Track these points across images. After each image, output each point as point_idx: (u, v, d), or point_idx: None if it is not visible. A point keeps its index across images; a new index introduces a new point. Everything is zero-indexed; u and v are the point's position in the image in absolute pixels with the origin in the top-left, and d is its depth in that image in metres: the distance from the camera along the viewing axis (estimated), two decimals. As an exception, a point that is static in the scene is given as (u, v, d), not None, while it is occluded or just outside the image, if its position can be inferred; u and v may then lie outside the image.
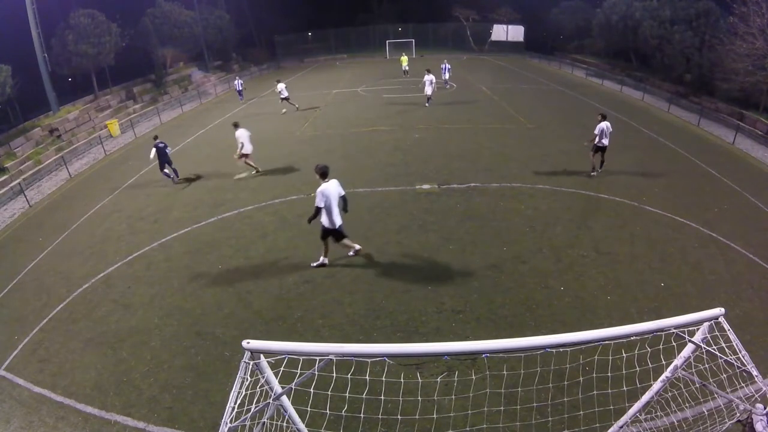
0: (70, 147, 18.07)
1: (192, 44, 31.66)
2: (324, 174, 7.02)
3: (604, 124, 11.10)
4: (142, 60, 27.63)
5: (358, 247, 8.01)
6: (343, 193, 7.27)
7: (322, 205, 6.96)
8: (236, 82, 24.96)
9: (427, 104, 20.20)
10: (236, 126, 12.40)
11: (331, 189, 7.05)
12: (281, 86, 20.63)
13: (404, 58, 30.13)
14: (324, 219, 7.19)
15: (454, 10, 43.48)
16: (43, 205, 12.87)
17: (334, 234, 7.49)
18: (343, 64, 40.30)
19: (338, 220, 7.32)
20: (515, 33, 42.49)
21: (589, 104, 21.01)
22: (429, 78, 19.85)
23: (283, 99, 20.53)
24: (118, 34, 23.67)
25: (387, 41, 41.56)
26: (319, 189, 6.92)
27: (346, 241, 7.74)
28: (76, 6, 22.17)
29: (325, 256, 7.84)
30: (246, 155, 12.47)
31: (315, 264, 7.89)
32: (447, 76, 24.31)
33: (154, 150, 12.10)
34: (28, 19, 19.27)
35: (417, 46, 41.36)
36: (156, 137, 12.49)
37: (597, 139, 11.27)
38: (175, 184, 12.69)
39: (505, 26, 42.66)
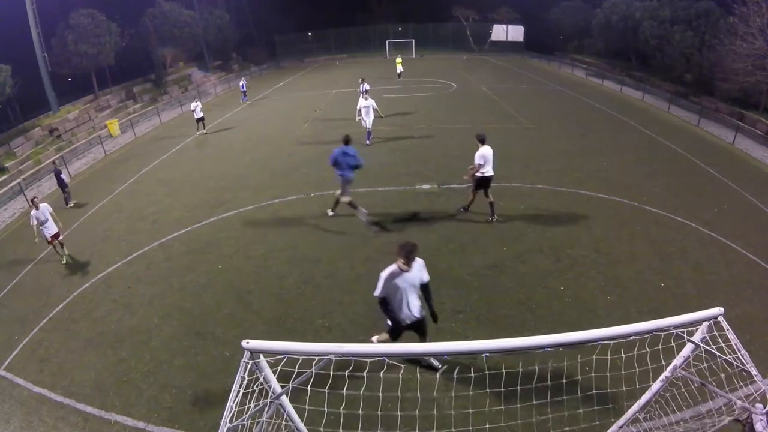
0: (70, 147, 18.07)
1: (192, 44, 31.67)
2: (408, 253, 4.49)
3: (487, 150, 8.64)
4: (142, 60, 27.65)
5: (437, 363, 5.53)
6: (426, 279, 4.83)
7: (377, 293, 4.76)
8: (241, 82, 25.09)
9: (368, 142, 14.74)
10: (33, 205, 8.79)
11: (407, 275, 4.62)
12: (195, 104, 17.69)
13: (399, 61, 28.71)
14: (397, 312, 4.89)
15: (454, 10, 43.50)
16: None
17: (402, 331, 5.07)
18: (343, 64, 40.30)
19: (413, 312, 4.90)
20: (515, 33, 42.53)
21: (589, 104, 21.03)
22: (366, 104, 14.09)
23: (198, 120, 17.83)
24: (118, 34, 23.69)
25: (387, 41, 41.57)
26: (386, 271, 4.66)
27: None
28: (76, 6, 22.17)
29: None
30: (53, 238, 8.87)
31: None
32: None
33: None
34: (28, 19, 19.28)
35: (417, 46, 41.38)
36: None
37: (479, 169, 8.69)
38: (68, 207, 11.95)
39: (505, 26, 42.69)
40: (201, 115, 17.76)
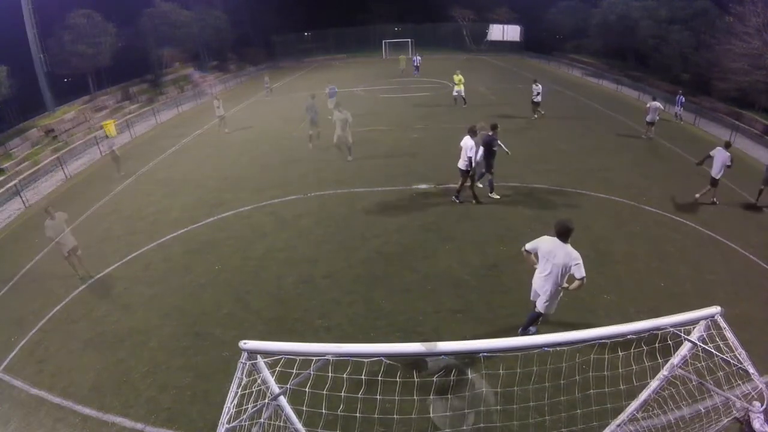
0: (67, 147, 17.99)
1: (189, 44, 31.64)
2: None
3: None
4: (139, 60, 27.57)
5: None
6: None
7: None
8: (265, 79, 26.81)
9: (350, 157, 13.28)
10: None
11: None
12: (218, 102, 17.85)
13: (402, 58, 31.45)
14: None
15: (452, 10, 43.50)
16: (40, 205, 12.81)
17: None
18: (341, 64, 40.27)
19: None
20: (513, 33, 42.52)
21: (587, 104, 21.05)
22: (342, 117, 12.62)
23: (220, 117, 18.00)
24: (115, 35, 23.63)
25: (385, 41, 41.59)
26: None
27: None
28: (73, 6, 22.10)
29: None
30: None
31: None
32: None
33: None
34: (25, 20, 19.23)
35: (415, 47, 41.33)
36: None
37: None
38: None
39: (502, 26, 42.69)
40: (221, 113, 17.98)
